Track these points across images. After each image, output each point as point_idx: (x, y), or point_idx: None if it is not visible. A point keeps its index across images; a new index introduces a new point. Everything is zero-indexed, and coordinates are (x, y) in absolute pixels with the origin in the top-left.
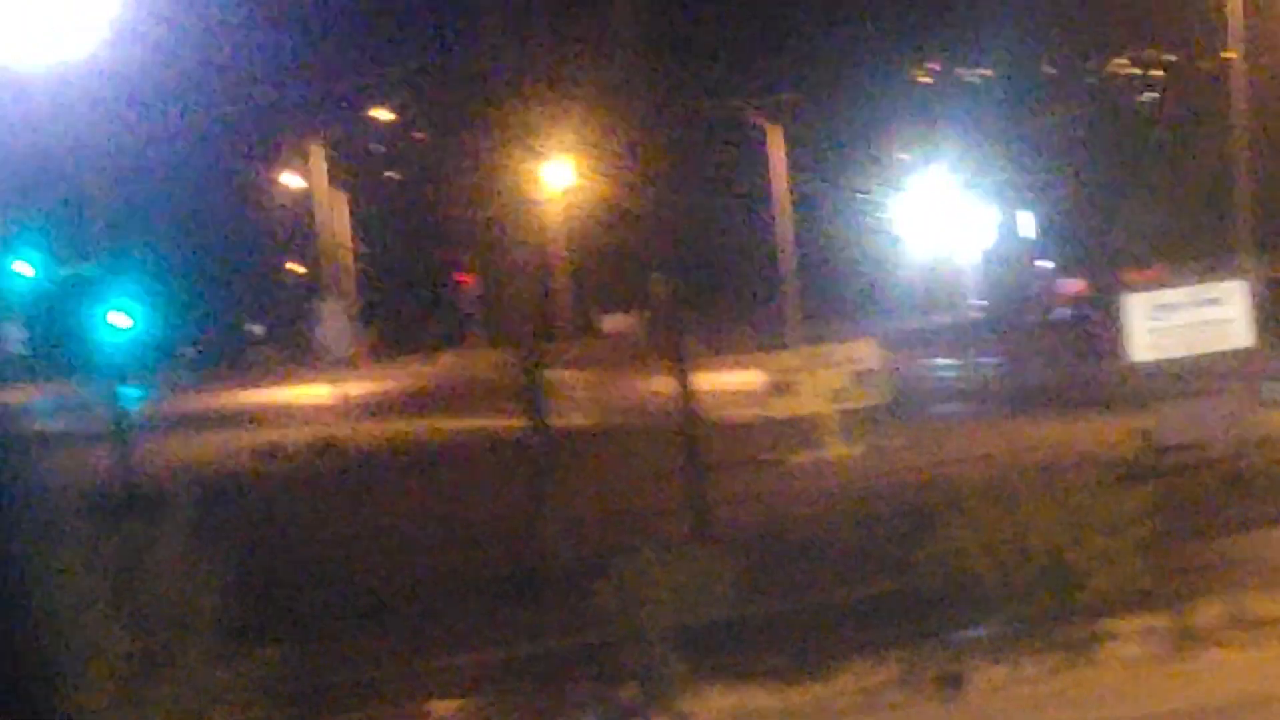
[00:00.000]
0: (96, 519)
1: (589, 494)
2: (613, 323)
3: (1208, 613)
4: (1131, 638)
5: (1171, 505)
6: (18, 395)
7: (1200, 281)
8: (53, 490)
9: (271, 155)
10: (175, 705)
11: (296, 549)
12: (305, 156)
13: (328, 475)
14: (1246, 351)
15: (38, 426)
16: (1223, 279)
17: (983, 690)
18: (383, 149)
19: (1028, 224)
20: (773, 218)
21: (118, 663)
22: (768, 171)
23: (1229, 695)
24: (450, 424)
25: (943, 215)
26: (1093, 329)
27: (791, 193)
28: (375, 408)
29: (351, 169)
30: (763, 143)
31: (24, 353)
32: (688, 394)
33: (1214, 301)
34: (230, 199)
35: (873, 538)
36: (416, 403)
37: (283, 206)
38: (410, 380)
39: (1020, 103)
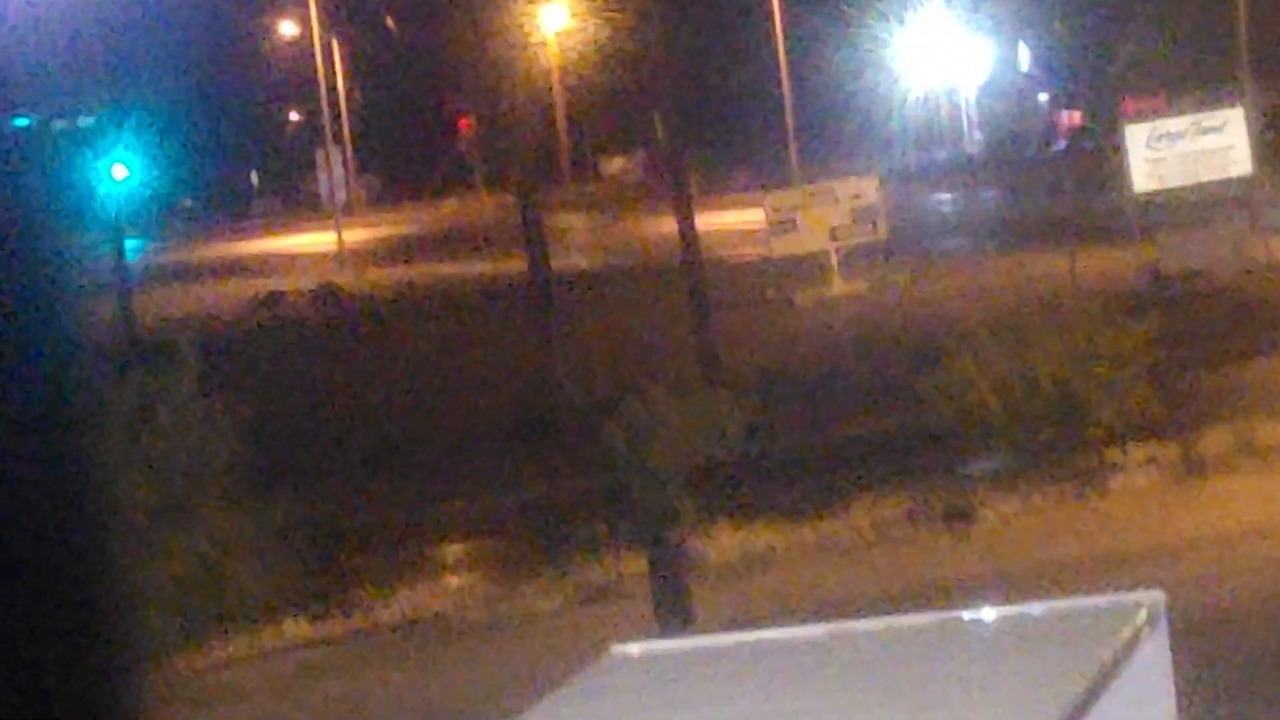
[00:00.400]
0: (102, 371)
1: (594, 337)
2: (613, 165)
3: (1215, 441)
4: (1139, 467)
5: (1176, 334)
6: None
7: (1199, 110)
8: (57, 344)
9: (268, 2)
10: (190, 554)
11: (304, 397)
12: (303, 3)
13: (332, 323)
14: (1247, 179)
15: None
16: (1222, 107)
17: (991, 522)
18: None
19: (1026, 57)
20: (772, 56)
21: (131, 514)
22: (767, 9)
23: (1237, 522)
24: (453, 269)
25: (942, 50)
26: (1093, 160)
27: (791, 30)
28: (376, 255)
29: (349, 15)
30: None
31: None
32: (690, 235)
33: (1214, 130)
34: (228, 48)
35: (879, 374)
36: (418, 249)
37: (280, 54)
38: (411, 226)
39: None
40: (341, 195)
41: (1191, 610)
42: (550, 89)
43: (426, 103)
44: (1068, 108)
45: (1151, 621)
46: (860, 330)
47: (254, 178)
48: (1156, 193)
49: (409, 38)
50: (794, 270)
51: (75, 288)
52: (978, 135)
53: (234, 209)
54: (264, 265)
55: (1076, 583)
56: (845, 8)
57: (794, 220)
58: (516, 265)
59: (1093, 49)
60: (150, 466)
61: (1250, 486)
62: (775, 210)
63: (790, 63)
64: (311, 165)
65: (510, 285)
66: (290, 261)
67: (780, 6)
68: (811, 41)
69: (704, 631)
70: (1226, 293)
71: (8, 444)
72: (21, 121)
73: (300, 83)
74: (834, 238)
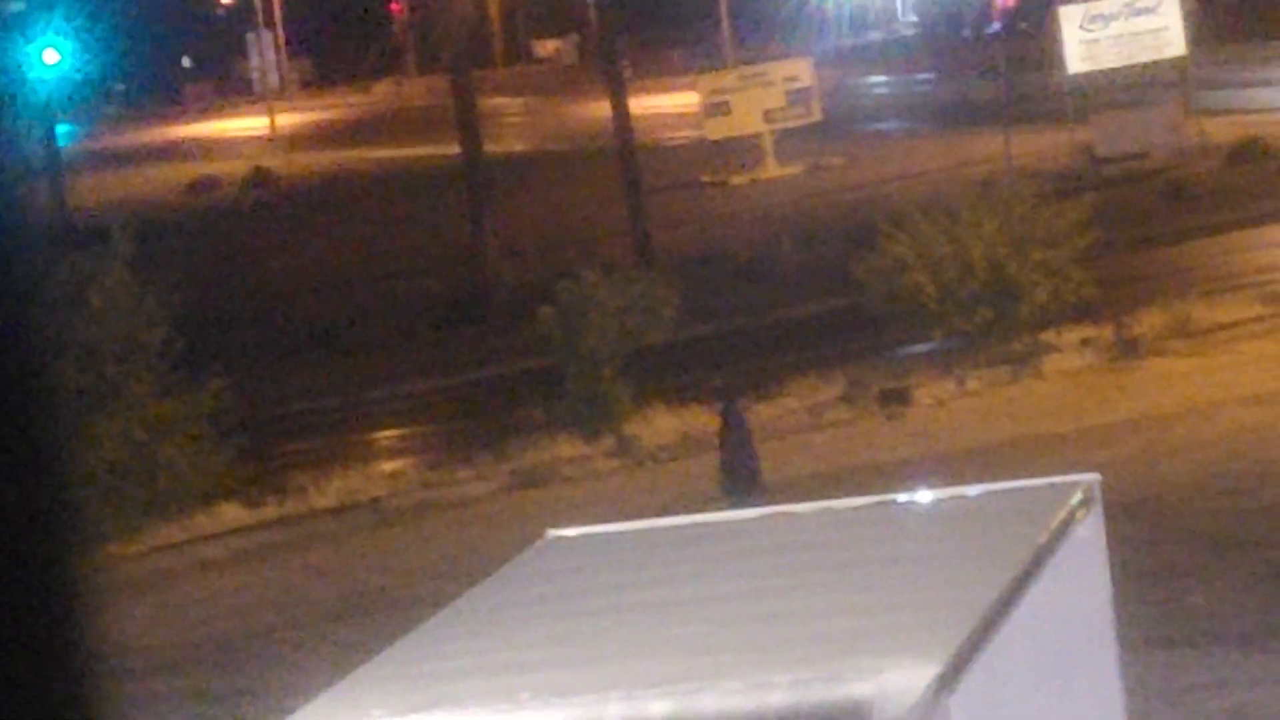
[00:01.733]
0: (34, 256)
1: (529, 220)
2: (547, 47)
3: (1149, 323)
4: (1073, 349)
5: (1111, 216)
6: None
7: None
8: None
9: None
10: (124, 438)
11: (237, 282)
12: None
13: (265, 207)
14: (1180, 60)
15: None
16: None
17: (927, 405)
18: None
19: None
20: None
21: (63, 400)
22: None
23: (1172, 403)
24: (385, 153)
25: None
26: (1028, 42)
27: None
28: (309, 139)
29: None
30: None
31: None
32: (623, 118)
33: (1147, 10)
34: None
35: (814, 257)
36: (351, 133)
37: None
38: (344, 111)
39: None
40: (274, 79)
41: (1126, 491)
42: None
43: None
44: None
45: (1087, 503)
46: (795, 213)
47: (186, 62)
48: (1091, 74)
49: None
50: (728, 153)
51: (5, 173)
52: (913, 17)
53: (166, 93)
54: (196, 150)
55: (1012, 465)
56: None
57: (728, 103)
58: (450, 149)
59: None
60: (82, 351)
61: (1183, 368)
62: (709, 93)
63: None
64: (243, 49)
65: (443, 169)
66: (222, 146)
67: None
68: None
69: (640, 515)
70: (1161, 174)
71: None
72: None
73: None
74: (768, 120)
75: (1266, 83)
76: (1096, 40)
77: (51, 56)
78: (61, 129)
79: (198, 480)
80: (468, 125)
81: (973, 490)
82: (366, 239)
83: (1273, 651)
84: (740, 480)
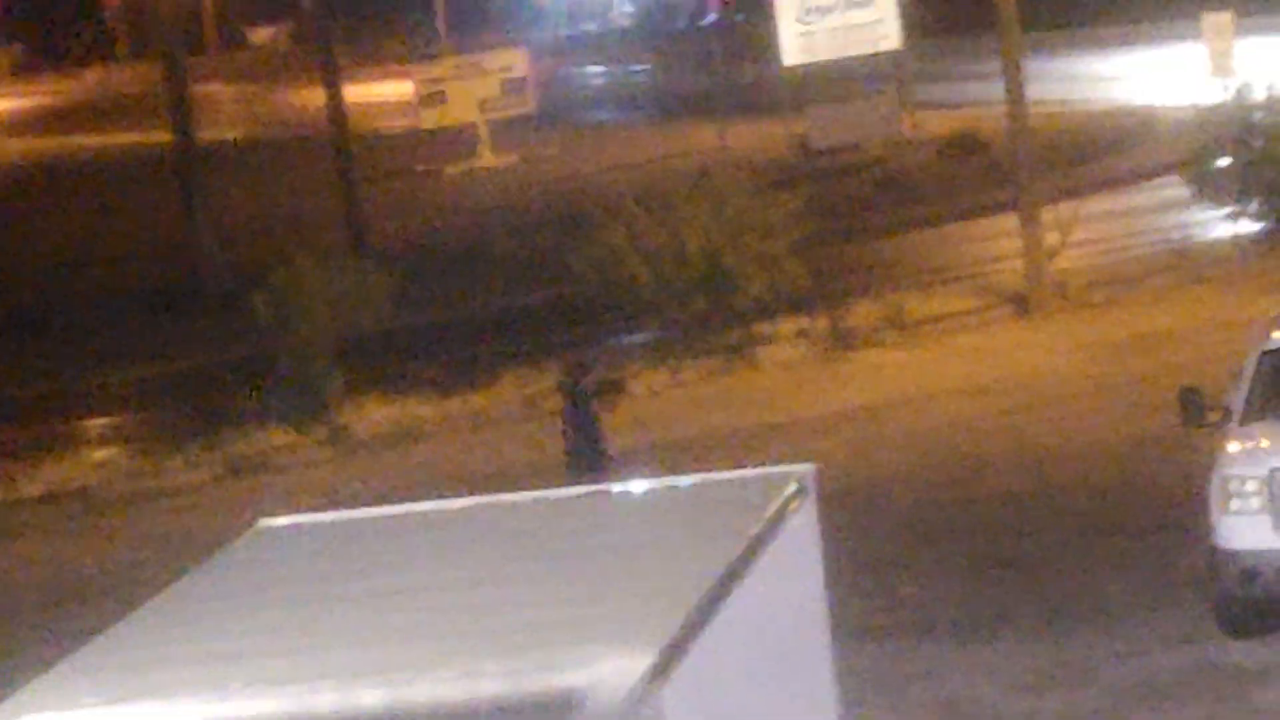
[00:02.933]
0: None
1: (242, 208)
2: (260, 34)
3: (862, 314)
4: (787, 340)
5: (825, 207)
6: None
7: None
8: None
9: None
10: None
11: None
12: None
13: None
14: (895, 54)
15: None
16: None
17: (641, 395)
18: None
19: None
20: None
21: None
22: None
23: (885, 394)
24: (96, 140)
25: None
26: (744, 33)
27: None
28: (18, 125)
29: None
30: None
31: None
32: (337, 106)
33: (862, 4)
34: None
35: (528, 246)
36: (61, 119)
37: None
38: (53, 97)
39: None
40: None
41: (840, 482)
42: None
43: None
44: None
45: (801, 494)
46: (510, 202)
47: None
48: (807, 66)
49: None
50: (444, 142)
51: None
52: (629, 8)
53: None
54: None
55: (727, 455)
56: None
57: (443, 92)
58: (162, 136)
59: None
60: None
61: (896, 359)
62: (424, 82)
63: None
64: None
65: (156, 156)
66: None
67: None
68: None
69: (352, 505)
70: (874, 166)
71: None
72: None
73: None
74: (483, 109)
75: (980, 76)
76: (813, 33)
77: None
78: None
79: None
80: (180, 112)
81: (686, 480)
82: (77, 227)
83: (983, 642)
84: (587, 459)
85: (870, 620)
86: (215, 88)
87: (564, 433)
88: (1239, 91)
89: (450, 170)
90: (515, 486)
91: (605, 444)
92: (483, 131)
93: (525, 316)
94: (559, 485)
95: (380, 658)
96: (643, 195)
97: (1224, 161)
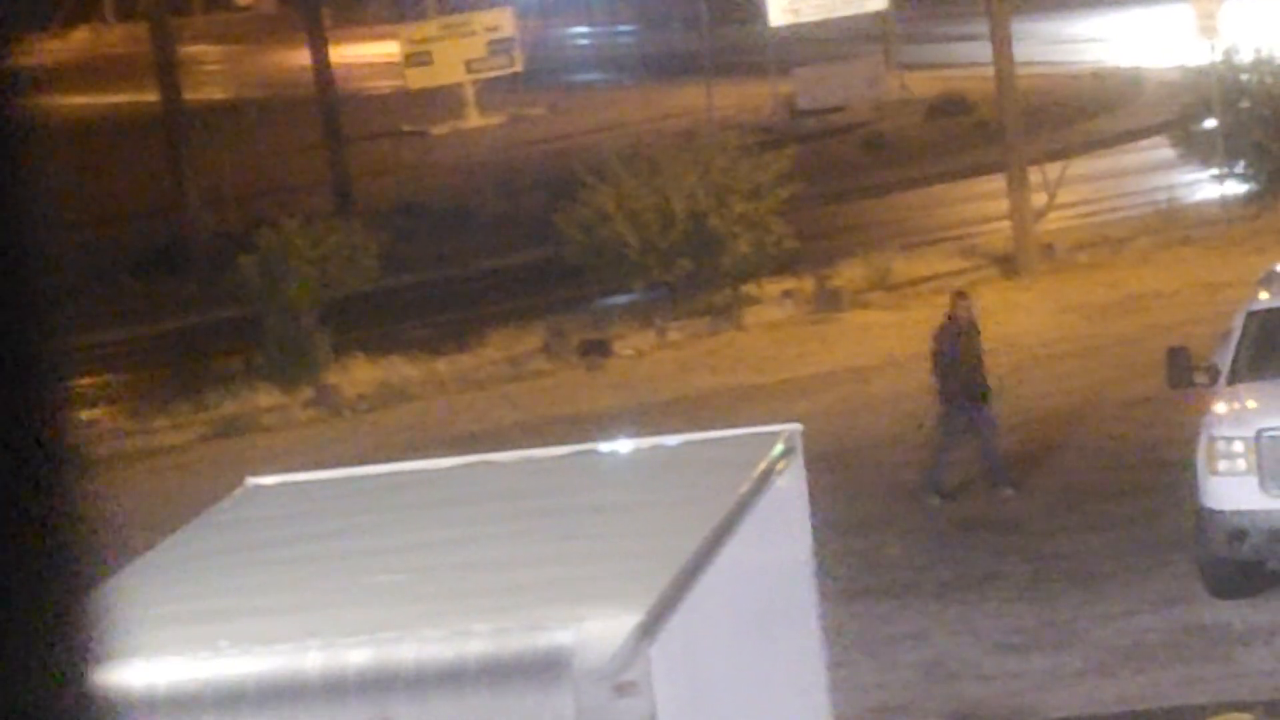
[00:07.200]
0: None
1: (229, 168)
2: None
3: (849, 275)
4: (774, 301)
5: (812, 169)
6: None
7: None
8: None
9: None
10: None
11: None
12: None
13: None
14: (882, 15)
15: None
16: None
17: (628, 356)
18: None
19: None
20: None
21: None
22: None
23: (871, 355)
24: (84, 100)
25: None
26: None
27: None
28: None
29: None
30: None
31: None
32: (324, 66)
33: None
34: None
35: (515, 206)
36: (48, 80)
37: None
38: (39, 57)
39: None
40: None
41: (826, 442)
42: None
43: None
44: None
45: (788, 453)
46: (497, 163)
47: None
48: (796, 27)
49: None
50: (430, 103)
51: None
52: None
53: None
54: None
55: (713, 415)
56: None
57: (429, 53)
58: (149, 96)
59: None
60: None
61: (883, 320)
62: (410, 42)
63: None
64: None
65: (143, 117)
66: None
67: None
68: None
69: (339, 465)
70: (861, 128)
71: None
72: None
73: None
74: (470, 70)
75: (967, 37)
76: None
77: None
78: None
79: None
80: (167, 72)
81: (674, 440)
82: (64, 187)
83: (968, 603)
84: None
85: (857, 580)
86: (202, 48)
87: None
88: (1225, 53)
89: (436, 131)
90: (502, 447)
91: None
92: (469, 92)
93: (511, 277)
94: (545, 446)
95: (367, 617)
96: (629, 156)
97: (1210, 123)
